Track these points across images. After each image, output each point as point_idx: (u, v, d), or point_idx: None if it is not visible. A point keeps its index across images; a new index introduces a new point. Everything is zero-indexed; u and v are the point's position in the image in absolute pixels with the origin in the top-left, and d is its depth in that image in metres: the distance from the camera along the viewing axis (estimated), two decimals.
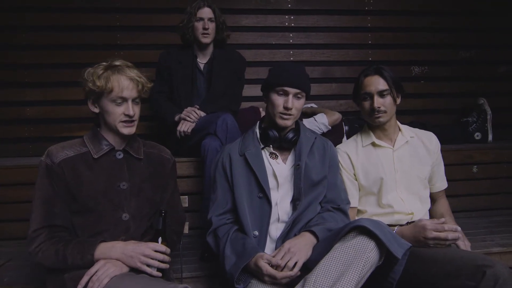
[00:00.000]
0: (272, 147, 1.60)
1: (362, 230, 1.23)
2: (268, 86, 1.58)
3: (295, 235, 1.46)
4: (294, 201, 1.52)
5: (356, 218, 1.73)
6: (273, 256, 1.35)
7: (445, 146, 2.61)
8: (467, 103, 3.19)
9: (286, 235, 1.48)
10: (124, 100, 1.38)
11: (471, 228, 2.29)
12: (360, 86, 1.72)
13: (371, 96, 1.68)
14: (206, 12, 2.32)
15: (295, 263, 1.32)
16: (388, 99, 1.68)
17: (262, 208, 1.51)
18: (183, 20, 2.35)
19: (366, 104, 1.70)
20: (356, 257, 1.19)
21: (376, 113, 1.67)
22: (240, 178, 1.54)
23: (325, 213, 1.53)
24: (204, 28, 2.31)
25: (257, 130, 1.64)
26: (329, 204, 1.57)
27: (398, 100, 1.73)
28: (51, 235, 1.32)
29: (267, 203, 1.51)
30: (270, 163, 1.59)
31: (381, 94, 1.67)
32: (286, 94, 1.53)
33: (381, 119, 1.68)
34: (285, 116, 1.54)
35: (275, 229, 1.52)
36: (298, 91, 1.53)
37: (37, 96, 2.87)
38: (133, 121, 1.42)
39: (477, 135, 2.95)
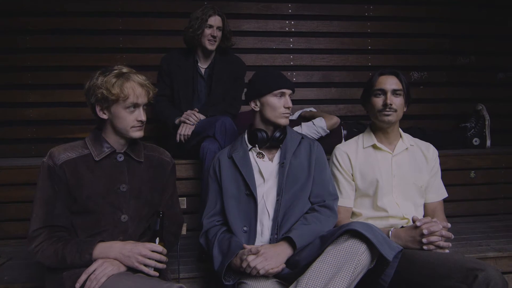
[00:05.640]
0: (259, 147, 1.69)
1: (354, 233, 1.26)
2: (263, 92, 1.65)
3: (286, 232, 1.52)
4: (277, 197, 1.60)
5: (351, 220, 1.75)
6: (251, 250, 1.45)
7: (444, 151, 2.64)
8: (465, 109, 3.22)
9: (278, 232, 1.55)
10: (137, 106, 1.43)
11: (468, 233, 2.30)
12: (373, 83, 1.73)
13: (384, 93, 1.70)
14: (216, 21, 2.37)
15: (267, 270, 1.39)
16: (400, 99, 1.71)
17: (249, 204, 1.59)
18: (193, 25, 2.37)
19: (378, 100, 1.71)
20: (348, 259, 1.22)
21: (387, 109, 1.68)
22: (228, 179, 1.64)
23: (309, 215, 1.58)
24: (213, 36, 2.36)
25: (245, 135, 1.74)
26: (316, 199, 1.63)
27: (405, 108, 1.76)
28: (50, 234, 1.35)
29: (253, 198, 1.58)
30: (256, 162, 1.67)
31: (395, 92, 1.70)
32: (284, 95, 1.66)
33: (390, 118, 1.69)
34: (287, 115, 1.67)
35: (268, 228, 1.58)
36: (292, 91, 1.69)
37: (40, 98, 2.92)
38: (143, 125, 1.47)
39: (476, 141, 2.97)
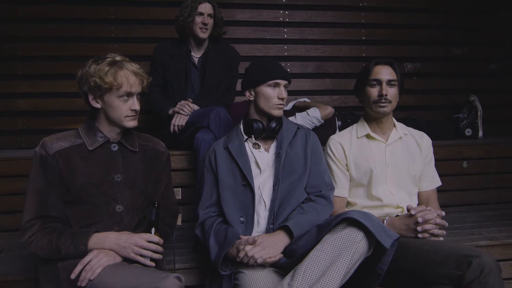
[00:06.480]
0: (255, 138, 1.68)
1: (351, 221, 1.27)
2: (257, 82, 1.64)
3: (283, 221, 1.52)
4: (273, 187, 1.60)
5: (346, 209, 1.76)
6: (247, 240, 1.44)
7: (436, 142, 2.64)
8: (458, 100, 3.23)
9: (274, 222, 1.55)
10: (131, 95, 1.40)
11: (460, 222, 2.33)
12: (369, 73, 1.73)
13: (380, 83, 1.70)
14: (206, 8, 2.34)
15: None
16: (395, 90, 1.71)
17: (246, 194, 1.58)
18: (183, 13, 2.34)
19: (374, 90, 1.71)
20: (345, 248, 1.22)
21: (383, 100, 1.68)
22: (225, 169, 1.63)
23: (305, 204, 1.58)
24: (204, 24, 2.33)
25: (241, 125, 1.72)
26: (312, 189, 1.63)
27: (398, 98, 1.76)
28: (44, 225, 1.33)
29: (250, 189, 1.58)
30: (253, 153, 1.67)
31: (390, 83, 1.70)
32: (278, 86, 1.64)
33: (385, 109, 1.70)
34: (281, 106, 1.65)
35: (264, 218, 1.58)
36: (287, 82, 1.67)
37: (30, 89, 2.86)
38: (137, 114, 1.45)
39: (468, 131, 2.99)
